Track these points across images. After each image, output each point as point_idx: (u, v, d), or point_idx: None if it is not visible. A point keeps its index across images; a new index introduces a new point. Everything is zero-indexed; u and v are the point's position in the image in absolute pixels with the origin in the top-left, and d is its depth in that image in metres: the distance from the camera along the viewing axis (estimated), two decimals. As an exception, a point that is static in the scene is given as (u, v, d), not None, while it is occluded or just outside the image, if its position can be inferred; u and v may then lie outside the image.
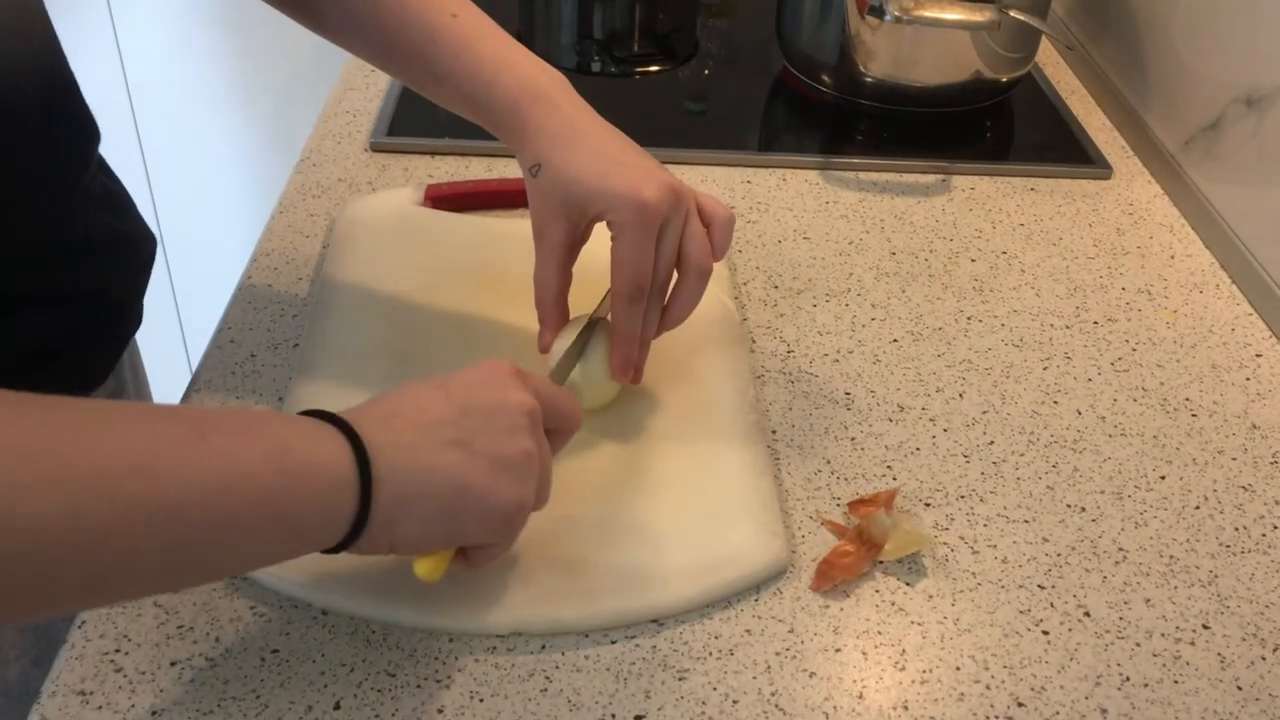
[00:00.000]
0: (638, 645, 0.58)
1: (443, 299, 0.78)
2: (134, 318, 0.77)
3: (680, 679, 0.57)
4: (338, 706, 0.54)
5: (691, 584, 0.60)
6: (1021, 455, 0.72)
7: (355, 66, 1.10)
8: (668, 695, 0.56)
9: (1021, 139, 1.10)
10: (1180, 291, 0.88)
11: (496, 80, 0.65)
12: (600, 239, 0.65)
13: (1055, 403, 0.76)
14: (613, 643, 0.58)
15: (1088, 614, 0.62)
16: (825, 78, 1.09)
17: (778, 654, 0.58)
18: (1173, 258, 0.92)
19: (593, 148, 0.63)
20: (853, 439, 0.72)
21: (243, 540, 0.46)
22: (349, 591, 0.58)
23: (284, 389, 0.72)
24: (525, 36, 1.20)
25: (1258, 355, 0.82)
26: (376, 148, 0.97)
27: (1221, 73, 0.94)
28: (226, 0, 1.73)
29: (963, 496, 0.68)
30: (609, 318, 0.66)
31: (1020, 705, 0.57)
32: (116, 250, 0.73)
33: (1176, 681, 0.59)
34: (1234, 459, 0.73)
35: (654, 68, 1.18)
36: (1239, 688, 0.59)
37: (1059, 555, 0.65)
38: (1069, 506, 0.68)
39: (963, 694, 0.57)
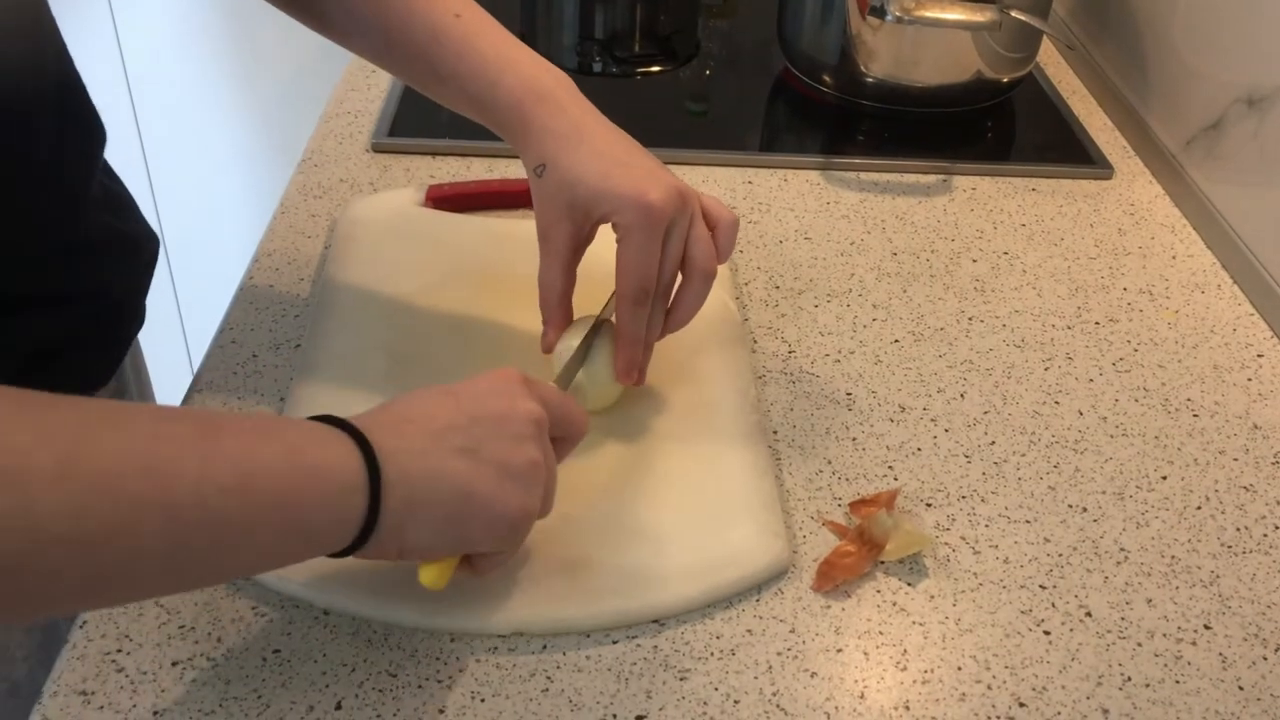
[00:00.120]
0: (639, 645, 0.58)
1: (444, 300, 0.78)
2: (136, 318, 0.77)
3: (682, 679, 0.57)
4: (339, 706, 0.54)
5: (693, 584, 0.60)
6: (1023, 455, 0.72)
7: (357, 67, 1.10)
8: (669, 695, 0.56)
9: (1023, 139, 1.10)
10: (1182, 292, 0.88)
11: (500, 80, 0.65)
12: (605, 240, 0.65)
13: (1056, 403, 0.76)
14: (614, 643, 0.58)
15: (1089, 614, 0.62)
16: (826, 78, 1.09)
17: (779, 654, 0.58)
18: (1174, 258, 0.92)
19: (598, 149, 0.63)
20: (854, 439, 0.72)
21: (249, 542, 0.46)
22: (350, 592, 0.58)
23: (285, 389, 0.72)
24: (527, 37, 1.20)
25: (1259, 355, 0.82)
26: (378, 148, 0.97)
27: (1222, 73, 0.94)
28: (228, 1, 1.73)
29: (964, 497, 0.68)
30: (613, 319, 0.66)
31: (1022, 705, 0.57)
32: (118, 251, 0.73)
33: (1178, 682, 0.59)
34: (1235, 459, 0.73)
35: (655, 68, 1.18)
36: (1240, 688, 0.59)
37: (1060, 555, 0.65)
38: (1070, 507, 0.68)
39: (964, 694, 0.57)
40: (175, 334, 1.97)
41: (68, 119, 0.66)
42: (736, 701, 0.56)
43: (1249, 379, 0.79)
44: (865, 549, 0.63)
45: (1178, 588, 0.64)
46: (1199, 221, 0.95)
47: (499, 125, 0.66)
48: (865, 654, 0.59)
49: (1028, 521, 0.67)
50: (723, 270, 0.83)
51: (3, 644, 0.70)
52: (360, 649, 0.57)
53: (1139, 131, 1.06)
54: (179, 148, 1.83)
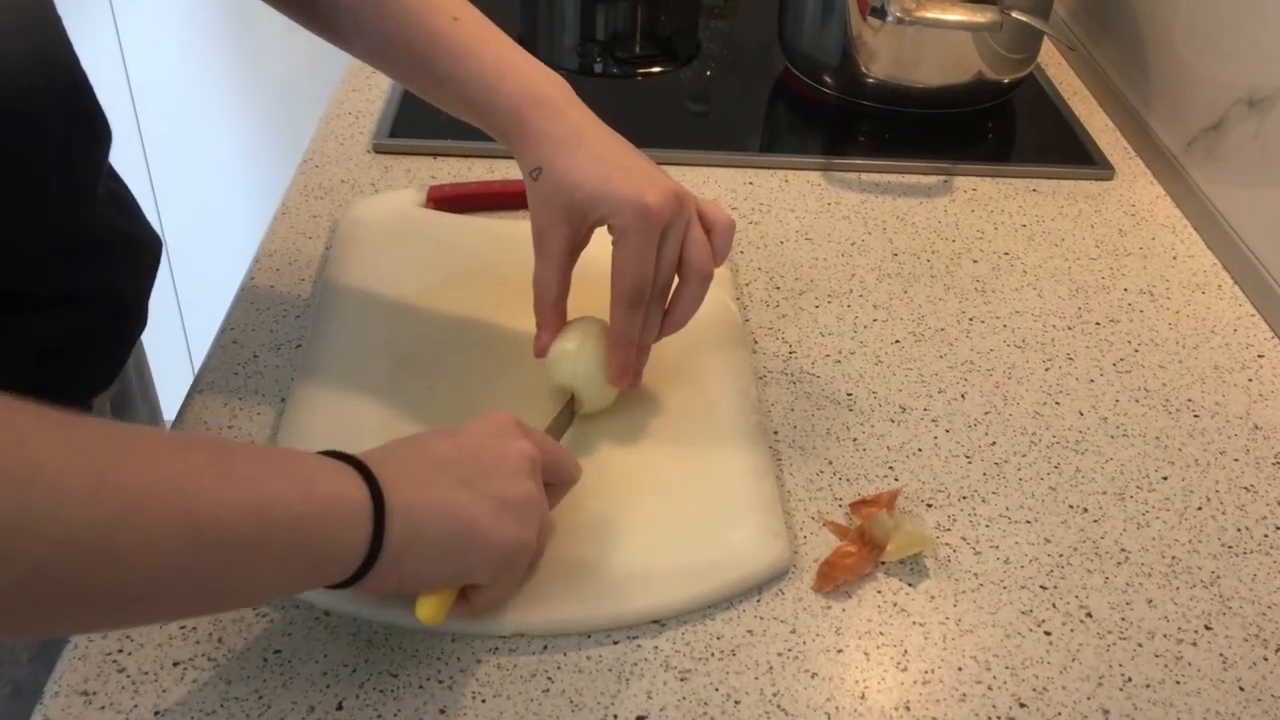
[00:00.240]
0: (640, 646, 0.58)
1: (445, 300, 0.78)
2: (140, 320, 0.77)
3: (682, 680, 0.57)
4: (340, 707, 0.54)
5: (693, 585, 0.60)
6: (1023, 456, 0.72)
7: (358, 68, 1.10)
8: (670, 696, 0.56)
9: (1023, 140, 1.10)
10: (1182, 292, 0.88)
11: (498, 85, 0.65)
12: (601, 243, 0.65)
13: (1057, 403, 0.76)
14: (615, 643, 0.58)
15: (1090, 615, 0.62)
16: (827, 79, 1.09)
17: (780, 655, 0.58)
18: (1175, 259, 0.92)
19: (595, 153, 0.64)
20: (854, 440, 0.72)
21: (261, 567, 0.46)
22: (351, 592, 0.58)
23: (286, 390, 0.72)
24: (527, 38, 1.20)
25: (1260, 356, 0.82)
26: (379, 149, 0.97)
27: (1223, 74, 0.95)
28: (229, 2, 1.73)
29: (965, 497, 0.68)
30: (608, 321, 0.66)
31: (1022, 706, 0.57)
32: (124, 252, 0.73)
33: (1179, 682, 0.59)
34: (1236, 460, 0.73)
35: (656, 69, 1.18)
36: (1241, 688, 0.59)
37: (1061, 556, 0.65)
38: (1071, 507, 0.68)
39: (965, 694, 0.57)
40: (176, 334, 1.98)
41: (75, 119, 0.66)
42: (737, 702, 0.56)
43: (1249, 379, 0.79)
44: (866, 549, 0.63)
45: (1178, 588, 0.64)
46: (1200, 222, 0.95)
47: (496, 129, 0.66)
48: (866, 654, 0.59)
49: (1028, 522, 0.67)
50: (723, 271, 0.83)
51: (8, 645, 0.70)
52: (361, 649, 0.57)
53: (1140, 132, 1.06)
54: (180, 148, 1.84)
